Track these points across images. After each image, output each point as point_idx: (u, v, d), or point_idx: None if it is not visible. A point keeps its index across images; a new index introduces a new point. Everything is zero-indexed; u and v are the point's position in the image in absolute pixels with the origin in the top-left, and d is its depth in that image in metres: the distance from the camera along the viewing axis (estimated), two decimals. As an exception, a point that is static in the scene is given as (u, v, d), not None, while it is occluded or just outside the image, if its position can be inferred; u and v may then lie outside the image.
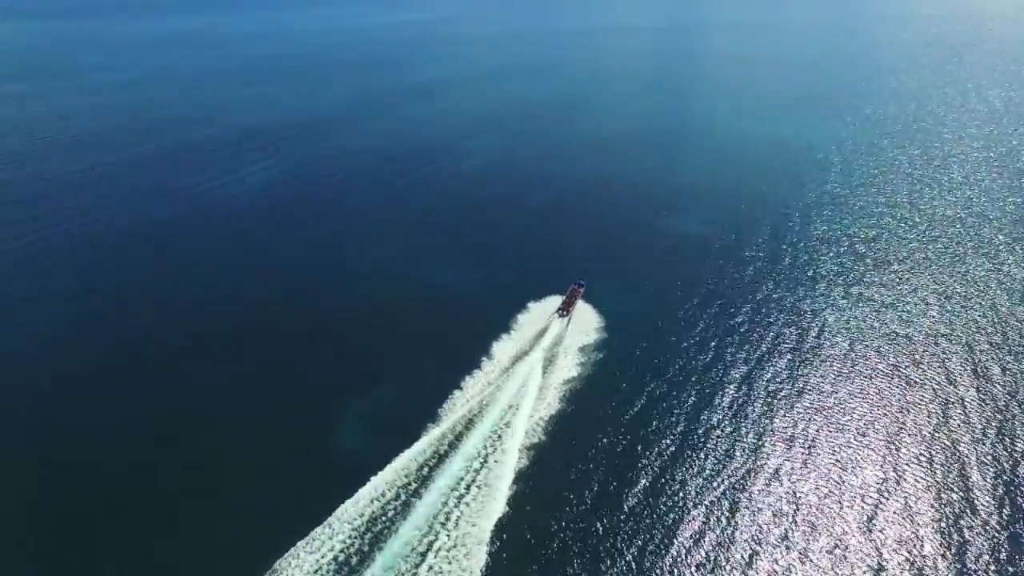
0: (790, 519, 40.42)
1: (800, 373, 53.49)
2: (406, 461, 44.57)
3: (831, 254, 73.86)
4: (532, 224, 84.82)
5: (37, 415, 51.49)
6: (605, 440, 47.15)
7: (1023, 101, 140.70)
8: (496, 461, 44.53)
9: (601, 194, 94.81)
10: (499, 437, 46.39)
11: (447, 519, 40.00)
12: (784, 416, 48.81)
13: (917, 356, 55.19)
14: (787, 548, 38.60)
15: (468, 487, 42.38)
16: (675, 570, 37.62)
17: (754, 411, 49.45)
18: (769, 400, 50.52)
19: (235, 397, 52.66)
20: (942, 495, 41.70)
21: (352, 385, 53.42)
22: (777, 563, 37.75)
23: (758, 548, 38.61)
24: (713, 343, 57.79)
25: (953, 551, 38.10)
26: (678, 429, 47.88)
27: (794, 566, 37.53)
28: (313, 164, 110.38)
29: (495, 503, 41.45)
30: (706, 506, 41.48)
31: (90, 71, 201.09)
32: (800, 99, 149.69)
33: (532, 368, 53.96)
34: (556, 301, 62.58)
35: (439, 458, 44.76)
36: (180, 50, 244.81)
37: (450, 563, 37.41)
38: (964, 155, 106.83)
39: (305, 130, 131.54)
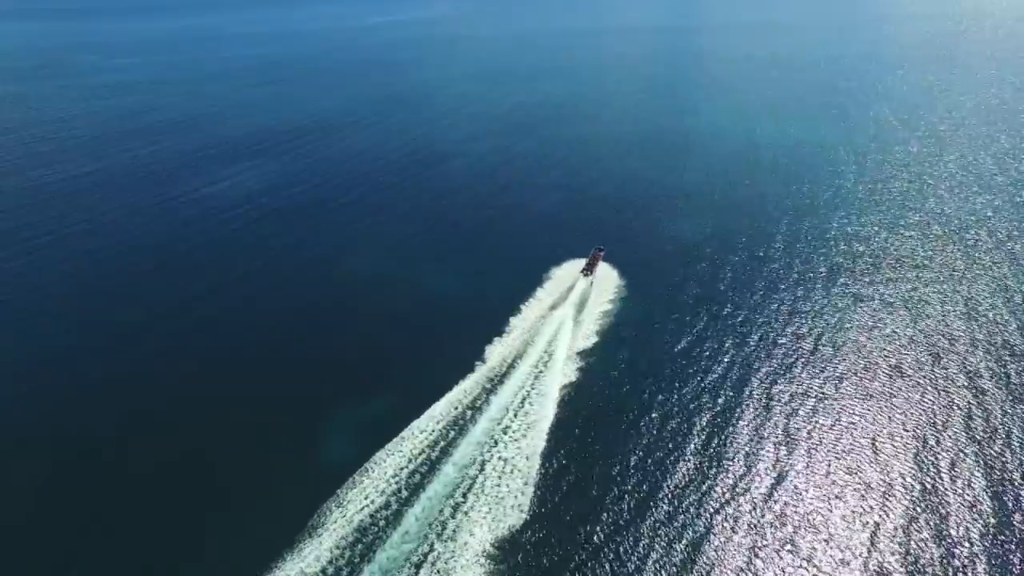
0: (801, 520, 39.16)
1: (813, 375, 52.13)
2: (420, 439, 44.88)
3: (843, 253, 72.50)
4: (536, 224, 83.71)
5: (18, 420, 50.45)
6: (625, 426, 46.60)
7: (1017, 97, 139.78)
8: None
9: (605, 196, 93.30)
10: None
11: (443, 528, 38.46)
12: (797, 415, 47.58)
13: (930, 357, 53.87)
14: (793, 550, 37.28)
15: (467, 491, 40.83)
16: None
17: (761, 408, 48.18)
18: (779, 398, 49.27)
19: (226, 400, 51.52)
20: (956, 500, 40.40)
21: (353, 380, 52.82)
22: (783, 566, 36.36)
23: (764, 549, 37.29)
24: (726, 338, 56.93)
25: (963, 555, 36.74)
26: (694, 435, 46.70)
27: (801, 569, 36.22)
28: (310, 167, 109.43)
29: (497, 508, 39.85)
30: (723, 509, 40.15)
31: (86, 73, 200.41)
32: (803, 99, 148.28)
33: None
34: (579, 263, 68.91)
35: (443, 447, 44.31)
36: (173, 52, 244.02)
37: (446, 576, 35.88)
38: (963, 152, 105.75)
39: (301, 133, 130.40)
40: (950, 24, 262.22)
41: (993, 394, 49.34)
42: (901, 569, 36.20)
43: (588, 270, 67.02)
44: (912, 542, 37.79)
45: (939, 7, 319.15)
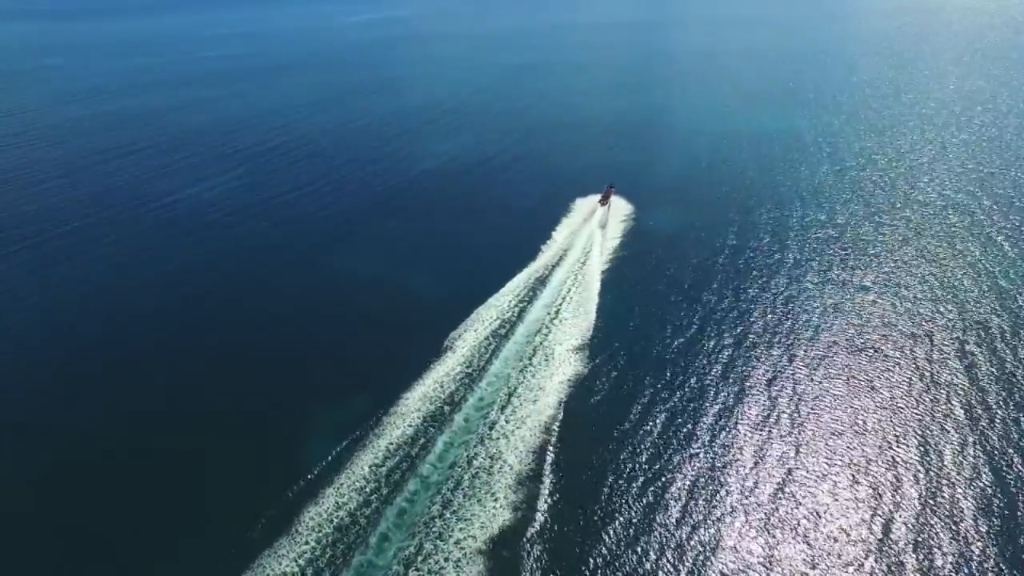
0: (809, 508, 39.19)
1: (795, 365, 52.33)
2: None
3: (820, 243, 73.27)
4: (515, 220, 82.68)
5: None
6: (621, 420, 46.27)
7: (980, 87, 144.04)
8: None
9: (581, 191, 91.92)
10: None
11: (431, 526, 36.80)
12: (792, 402, 47.97)
13: (920, 340, 54.73)
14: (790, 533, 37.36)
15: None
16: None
17: (765, 401, 48.34)
18: (778, 392, 49.69)
19: (202, 399, 50.40)
20: (961, 481, 40.89)
21: (336, 375, 51.70)
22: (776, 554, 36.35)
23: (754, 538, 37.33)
24: (719, 333, 56.78)
25: (973, 537, 37.11)
26: (691, 429, 46.73)
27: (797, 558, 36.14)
28: (298, 169, 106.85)
29: (491, 502, 38.32)
30: (724, 503, 39.94)
31: (53, 78, 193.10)
32: (774, 92, 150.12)
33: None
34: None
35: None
36: (148, 54, 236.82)
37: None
38: (932, 141, 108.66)
39: (283, 135, 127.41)
40: (924, 16, 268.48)
41: (984, 374, 50.31)
42: (913, 555, 36.12)
43: (604, 200, 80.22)
44: (921, 526, 37.84)
45: (903, 1, 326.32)
